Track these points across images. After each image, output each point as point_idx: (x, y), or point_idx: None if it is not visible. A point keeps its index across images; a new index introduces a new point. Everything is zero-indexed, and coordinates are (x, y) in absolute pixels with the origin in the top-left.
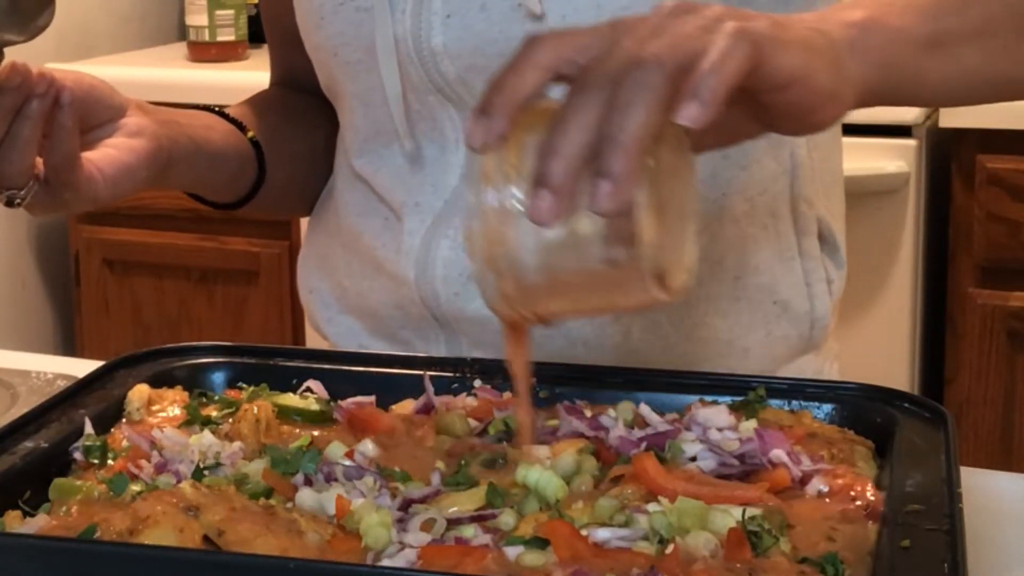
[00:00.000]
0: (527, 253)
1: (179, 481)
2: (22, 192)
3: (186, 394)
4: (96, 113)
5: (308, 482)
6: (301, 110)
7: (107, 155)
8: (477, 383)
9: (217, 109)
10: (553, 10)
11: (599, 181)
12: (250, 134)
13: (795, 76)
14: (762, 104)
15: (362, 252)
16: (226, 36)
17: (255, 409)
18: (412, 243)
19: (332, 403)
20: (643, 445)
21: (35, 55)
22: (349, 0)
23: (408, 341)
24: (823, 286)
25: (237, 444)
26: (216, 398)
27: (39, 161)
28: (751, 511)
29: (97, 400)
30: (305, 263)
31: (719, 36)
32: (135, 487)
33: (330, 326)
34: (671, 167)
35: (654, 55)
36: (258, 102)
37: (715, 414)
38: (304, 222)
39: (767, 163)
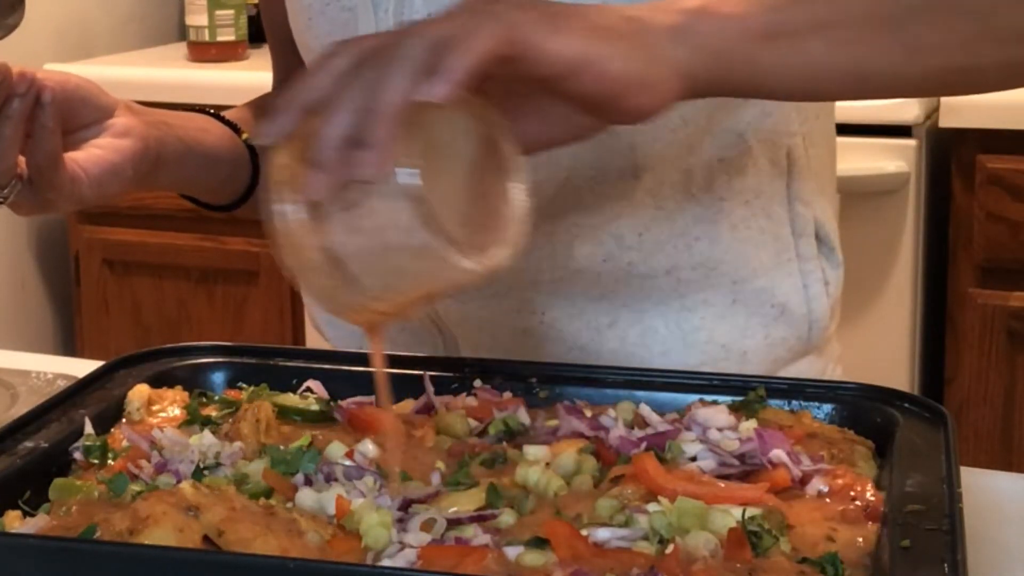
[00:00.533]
0: (341, 251)
1: (179, 481)
2: (4, 191)
3: (186, 394)
4: (82, 113)
5: (308, 482)
6: None
7: (92, 155)
8: (477, 383)
9: (212, 112)
10: None
11: (360, 152)
12: (244, 136)
13: (575, 61)
14: (565, 95)
15: None
16: (226, 36)
17: (255, 409)
18: None
19: (332, 403)
20: (643, 445)
21: (34, 56)
22: (335, 1)
23: (406, 345)
24: (820, 287)
25: (237, 444)
26: (216, 398)
27: (22, 160)
28: (751, 511)
29: (97, 400)
30: None
31: (474, 18)
32: (135, 487)
33: (330, 328)
34: (464, 151)
35: (413, 33)
36: (258, 105)
37: (715, 414)
38: None
39: (763, 165)
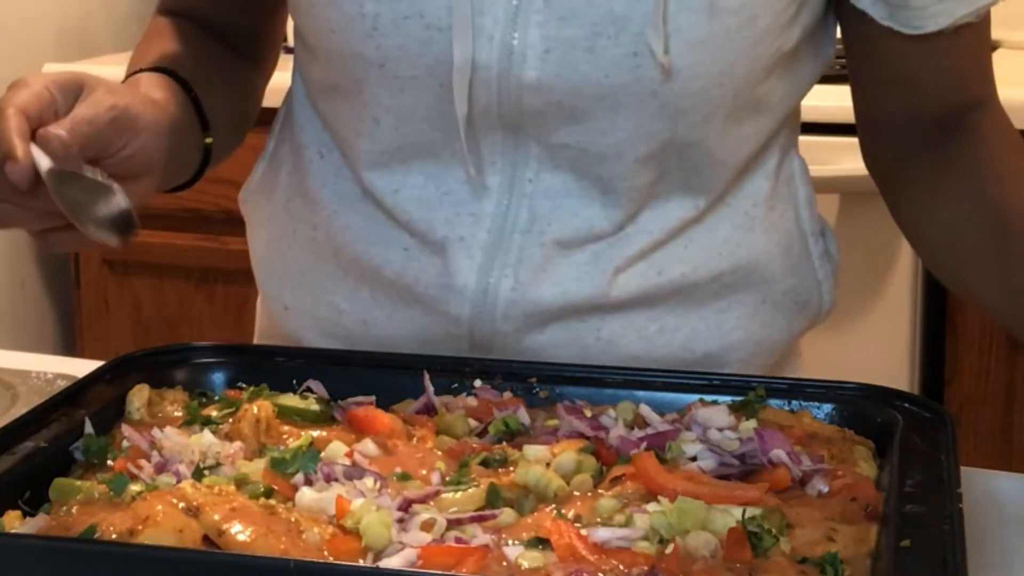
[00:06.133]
0: None
1: (179, 481)
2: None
3: (186, 394)
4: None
5: (308, 482)
6: (230, 65)
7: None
8: (477, 383)
9: (166, 68)
10: (682, 59)
11: None
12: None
13: None
14: None
15: (380, 282)
16: None
17: (255, 409)
18: (465, 282)
19: (332, 403)
20: (643, 445)
21: (35, 55)
22: (417, 16)
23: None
24: (829, 281)
25: (237, 444)
26: (216, 398)
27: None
28: (751, 511)
29: (97, 400)
30: (272, 275)
31: None
32: (135, 487)
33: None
34: None
35: None
36: (184, 54)
37: (715, 414)
38: None
39: (780, 173)
